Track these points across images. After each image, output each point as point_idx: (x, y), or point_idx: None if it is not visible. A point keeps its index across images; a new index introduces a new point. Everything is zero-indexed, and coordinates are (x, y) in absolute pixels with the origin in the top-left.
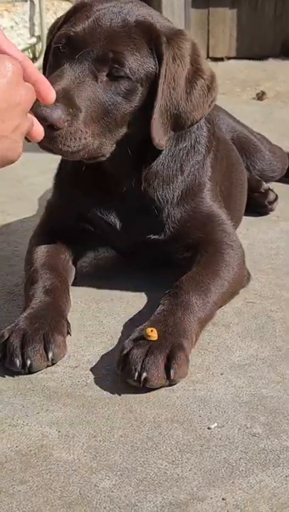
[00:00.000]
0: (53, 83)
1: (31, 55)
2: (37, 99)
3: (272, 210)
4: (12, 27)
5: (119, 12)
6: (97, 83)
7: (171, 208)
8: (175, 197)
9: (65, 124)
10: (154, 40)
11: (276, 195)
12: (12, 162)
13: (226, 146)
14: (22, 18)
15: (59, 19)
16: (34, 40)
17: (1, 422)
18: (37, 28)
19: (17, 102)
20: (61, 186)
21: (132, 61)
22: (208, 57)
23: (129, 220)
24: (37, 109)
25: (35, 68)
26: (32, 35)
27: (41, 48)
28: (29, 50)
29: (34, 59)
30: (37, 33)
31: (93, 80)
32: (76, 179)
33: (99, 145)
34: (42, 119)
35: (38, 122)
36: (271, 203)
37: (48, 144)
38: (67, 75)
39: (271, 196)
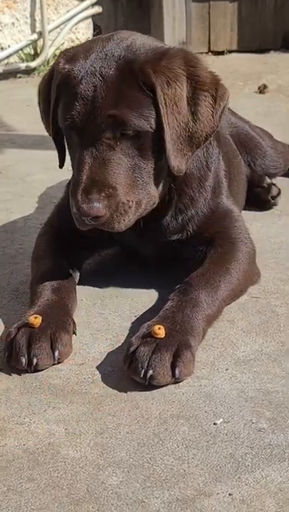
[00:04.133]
0: (79, 175)
1: (33, 51)
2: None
3: (275, 204)
4: (13, 23)
5: (100, 68)
6: (115, 151)
7: (201, 206)
8: (208, 194)
9: (106, 209)
10: (140, 75)
11: (279, 190)
12: None
13: (223, 139)
14: (23, 14)
15: (46, 85)
16: (35, 36)
17: (8, 420)
18: (38, 24)
19: None
20: None
21: (133, 115)
22: (209, 51)
23: (156, 225)
24: (76, 209)
25: None
26: (33, 31)
27: (42, 44)
28: (30, 46)
29: (36, 55)
30: (38, 29)
31: (110, 150)
32: None
33: (148, 200)
34: (85, 216)
35: None
36: (274, 197)
37: (104, 228)
38: (86, 162)
39: (274, 191)
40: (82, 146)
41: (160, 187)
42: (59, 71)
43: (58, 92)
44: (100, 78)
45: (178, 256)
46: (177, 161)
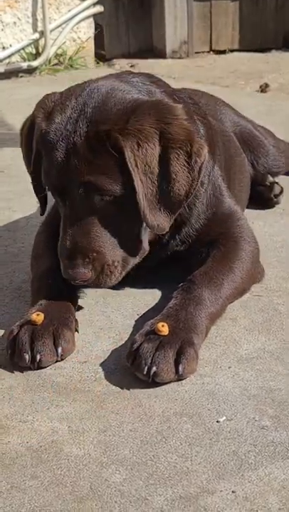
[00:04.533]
0: (64, 241)
1: (34, 51)
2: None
3: (278, 203)
4: (15, 23)
5: (73, 134)
6: (96, 214)
7: (196, 218)
8: (201, 208)
9: (92, 272)
10: (109, 141)
11: (282, 188)
12: None
13: (222, 138)
14: (25, 13)
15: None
16: (37, 35)
17: (12, 417)
18: (40, 24)
19: None
20: None
21: (107, 181)
22: (210, 50)
23: (153, 248)
24: (63, 273)
25: None
26: (35, 30)
27: (44, 43)
28: (32, 46)
29: (37, 54)
30: (40, 29)
31: (91, 214)
32: None
33: (136, 253)
34: (71, 280)
35: None
36: (277, 196)
37: (93, 287)
38: (69, 227)
39: (276, 189)
40: (64, 210)
41: (147, 236)
42: (38, 127)
43: (38, 148)
44: (72, 145)
45: (179, 259)
46: (156, 221)
